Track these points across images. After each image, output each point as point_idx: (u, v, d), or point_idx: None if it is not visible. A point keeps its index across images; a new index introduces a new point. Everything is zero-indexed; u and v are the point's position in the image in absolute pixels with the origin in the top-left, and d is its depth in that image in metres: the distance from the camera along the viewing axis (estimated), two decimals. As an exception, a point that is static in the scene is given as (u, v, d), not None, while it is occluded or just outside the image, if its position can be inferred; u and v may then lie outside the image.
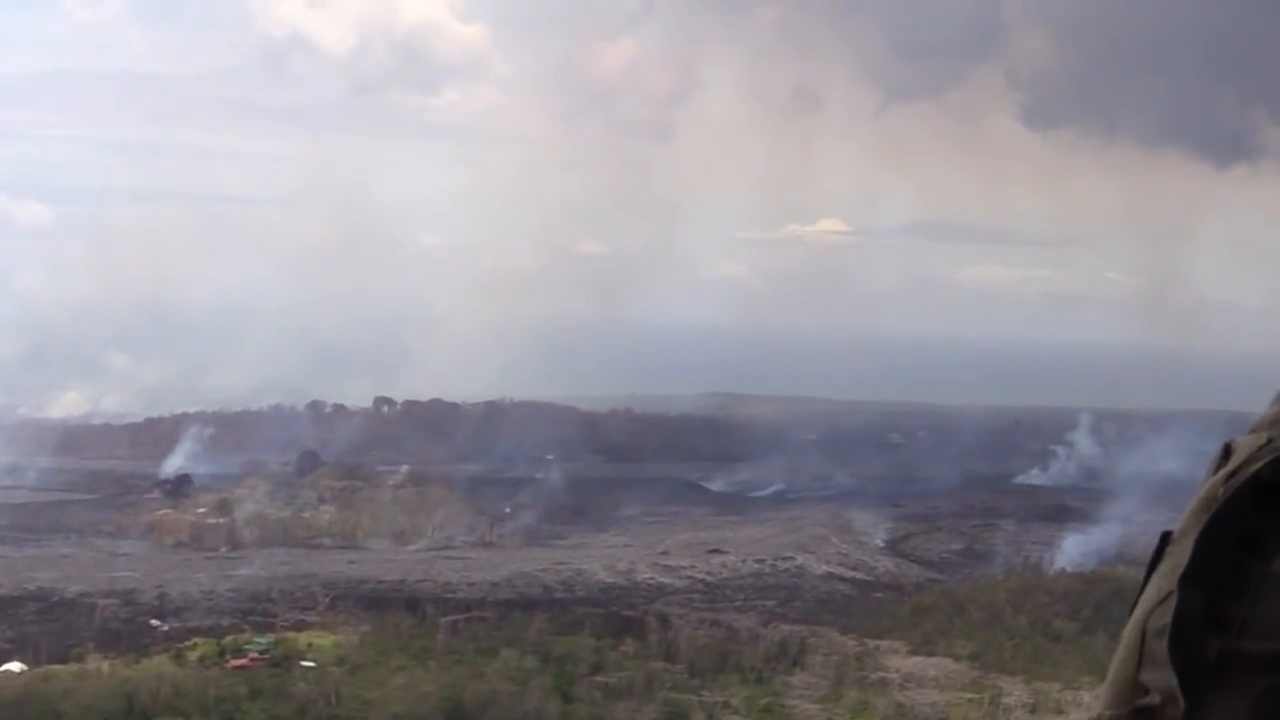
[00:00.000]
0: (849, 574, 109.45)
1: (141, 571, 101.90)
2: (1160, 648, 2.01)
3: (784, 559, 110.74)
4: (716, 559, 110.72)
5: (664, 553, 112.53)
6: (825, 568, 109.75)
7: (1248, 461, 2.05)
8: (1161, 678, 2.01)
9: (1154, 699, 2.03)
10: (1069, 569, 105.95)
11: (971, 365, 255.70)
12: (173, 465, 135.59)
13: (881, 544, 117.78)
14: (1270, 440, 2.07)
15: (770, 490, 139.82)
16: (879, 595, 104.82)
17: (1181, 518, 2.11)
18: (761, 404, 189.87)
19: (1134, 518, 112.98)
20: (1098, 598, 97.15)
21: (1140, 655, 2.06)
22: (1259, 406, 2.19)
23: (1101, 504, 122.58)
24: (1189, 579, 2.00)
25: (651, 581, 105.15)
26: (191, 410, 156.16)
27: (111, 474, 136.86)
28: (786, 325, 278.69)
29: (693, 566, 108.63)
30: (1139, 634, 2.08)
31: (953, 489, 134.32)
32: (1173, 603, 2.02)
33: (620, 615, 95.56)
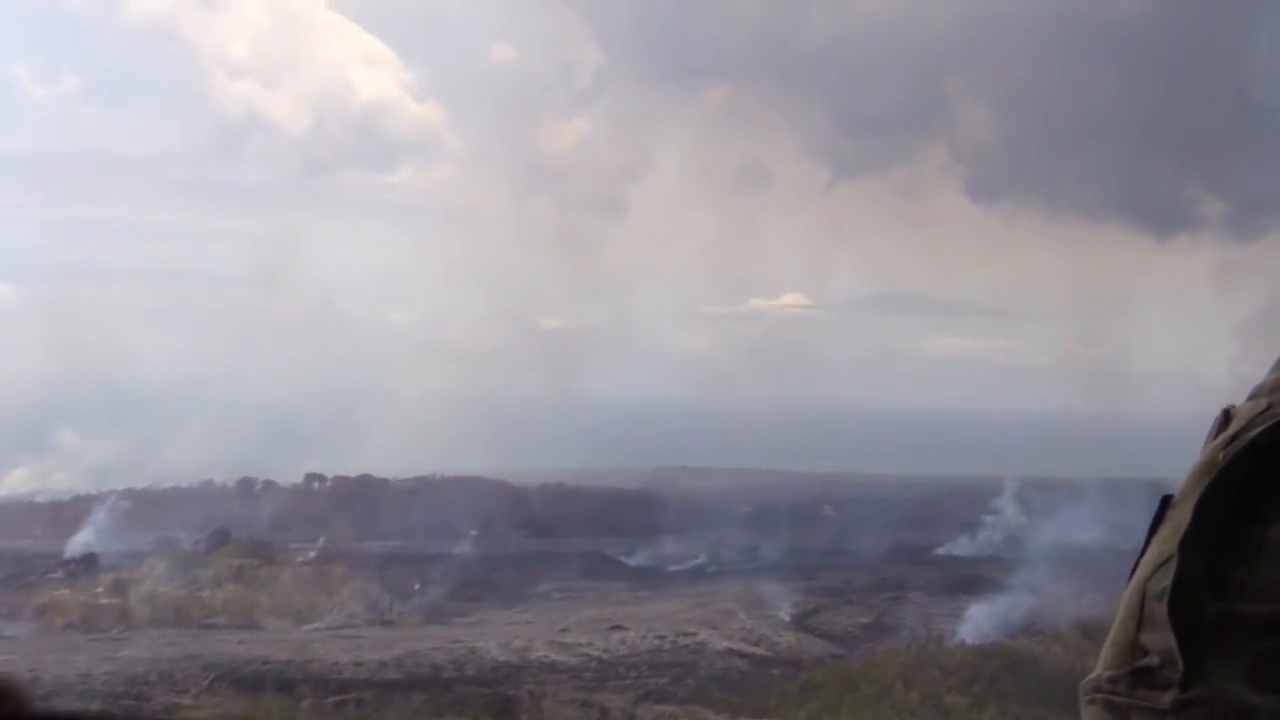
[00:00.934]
0: (749, 650, 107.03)
1: (20, 654, 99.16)
2: (1160, 610, 2.02)
3: (685, 635, 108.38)
4: (616, 635, 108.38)
5: (564, 630, 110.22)
6: (726, 643, 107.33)
7: (1247, 426, 2.06)
8: (1161, 639, 2.02)
9: (1153, 660, 2.04)
10: (969, 641, 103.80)
11: (920, 434, 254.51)
12: (81, 543, 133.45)
13: (788, 618, 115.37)
14: (1270, 406, 2.07)
15: (689, 564, 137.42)
16: (775, 671, 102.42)
17: (1182, 482, 2.11)
18: (707, 476, 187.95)
19: (1043, 589, 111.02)
20: (991, 671, 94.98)
21: (1140, 617, 2.07)
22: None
23: (1015, 574, 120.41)
24: (1188, 543, 2.02)
25: (545, 659, 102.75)
26: (120, 487, 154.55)
27: (18, 553, 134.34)
28: (746, 397, 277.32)
29: (590, 644, 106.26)
30: (1139, 596, 2.08)
31: (872, 560, 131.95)
32: (1173, 566, 2.03)
33: (503, 695, 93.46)
